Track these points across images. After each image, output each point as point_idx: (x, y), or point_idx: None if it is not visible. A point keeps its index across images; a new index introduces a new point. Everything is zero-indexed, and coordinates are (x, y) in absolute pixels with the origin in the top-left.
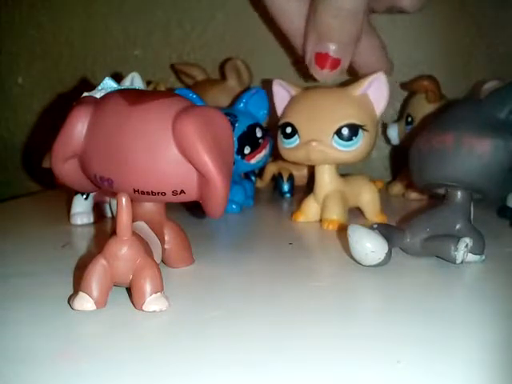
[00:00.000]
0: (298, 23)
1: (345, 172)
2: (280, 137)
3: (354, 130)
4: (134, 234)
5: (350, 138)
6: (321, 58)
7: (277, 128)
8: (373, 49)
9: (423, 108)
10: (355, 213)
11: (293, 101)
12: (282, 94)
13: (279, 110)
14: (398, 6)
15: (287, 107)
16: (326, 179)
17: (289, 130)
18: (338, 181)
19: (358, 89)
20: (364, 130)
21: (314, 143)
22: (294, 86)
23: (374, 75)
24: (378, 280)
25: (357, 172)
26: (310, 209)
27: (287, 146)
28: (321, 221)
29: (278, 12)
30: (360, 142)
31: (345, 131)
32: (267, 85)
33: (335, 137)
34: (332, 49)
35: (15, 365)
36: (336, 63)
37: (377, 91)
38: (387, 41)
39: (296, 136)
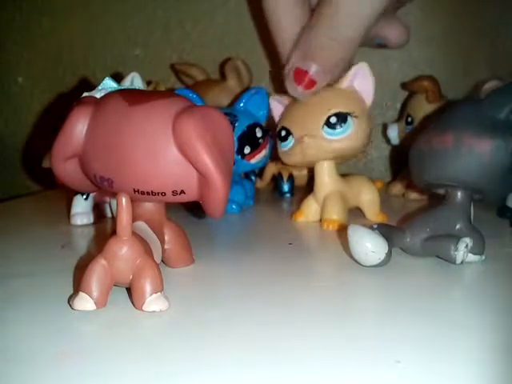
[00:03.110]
0: (291, 33)
1: (345, 172)
2: (278, 143)
3: (342, 117)
4: (134, 234)
5: (339, 126)
6: (299, 75)
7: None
8: None
9: (423, 108)
10: (355, 213)
11: (286, 108)
12: (278, 108)
13: (276, 121)
14: (382, 35)
15: (281, 115)
16: (326, 179)
17: (283, 133)
18: (338, 180)
19: (343, 82)
20: (353, 116)
21: (305, 138)
22: (286, 96)
23: (356, 66)
24: (378, 280)
25: (357, 172)
26: (310, 209)
27: (284, 148)
28: (321, 221)
29: (274, 18)
30: (350, 129)
31: (333, 120)
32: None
33: (325, 127)
34: (313, 69)
35: (15, 365)
36: (311, 84)
37: (362, 82)
38: None
39: (290, 137)
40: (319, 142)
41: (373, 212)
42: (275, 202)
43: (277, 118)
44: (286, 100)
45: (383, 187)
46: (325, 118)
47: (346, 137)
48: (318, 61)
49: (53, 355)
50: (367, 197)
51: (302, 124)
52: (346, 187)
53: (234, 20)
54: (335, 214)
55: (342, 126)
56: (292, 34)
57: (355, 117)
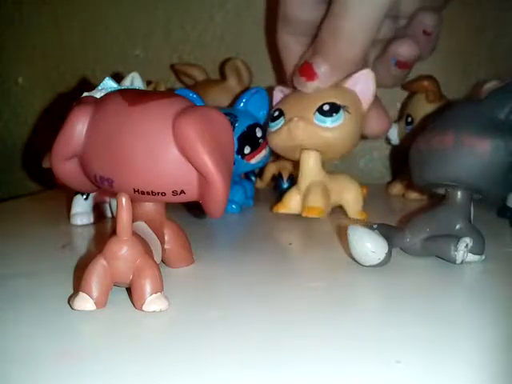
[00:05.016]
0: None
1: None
2: (269, 124)
3: (335, 107)
4: (134, 234)
5: (330, 115)
6: (305, 67)
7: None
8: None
9: (423, 108)
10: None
11: (285, 96)
12: (280, 98)
13: None
14: (394, 52)
15: (279, 101)
16: (310, 169)
17: (276, 113)
18: (322, 174)
19: (346, 82)
20: (346, 111)
21: (295, 118)
22: (290, 88)
23: (362, 72)
24: (378, 280)
25: (357, 172)
26: (292, 200)
27: (272, 128)
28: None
29: (285, 52)
30: (341, 121)
31: (326, 107)
32: (270, 90)
33: (317, 114)
34: (317, 62)
35: (15, 365)
36: (312, 76)
37: (363, 88)
38: None
39: (281, 118)
40: (308, 126)
41: (354, 210)
42: (275, 202)
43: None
44: (287, 91)
45: (366, 194)
46: (318, 104)
47: (335, 127)
48: (323, 55)
49: (53, 355)
50: (350, 195)
51: (295, 107)
52: (330, 182)
53: (234, 20)
54: (315, 202)
55: (332, 116)
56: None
57: (348, 111)
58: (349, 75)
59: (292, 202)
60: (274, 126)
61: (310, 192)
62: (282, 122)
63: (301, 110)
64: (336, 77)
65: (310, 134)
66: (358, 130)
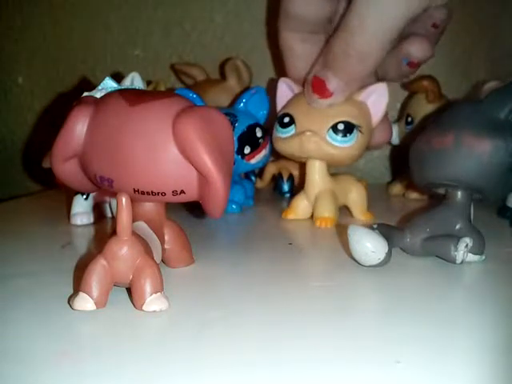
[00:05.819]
0: (303, 66)
1: (345, 172)
2: (276, 127)
3: (350, 127)
4: (134, 234)
5: (344, 135)
6: (317, 83)
7: (275, 120)
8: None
9: (423, 108)
10: (346, 211)
11: (295, 96)
12: (285, 92)
13: (279, 106)
14: (406, 52)
15: (289, 101)
16: (317, 177)
17: (286, 119)
18: (328, 179)
19: (359, 95)
20: (359, 131)
21: (308, 133)
22: (298, 85)
23: (376, 85)
24: (378, 280)
25: (357, 171)
26: (301, 206)
27: (282, 135)
28: (312, 218)
29: (288, 50)
30: (353, 141)
31: (340, 127)
32: (272, 83)
33: (330, 131)
34: (330, 79)
35: (15, 365)
36: (327, 94)
37: (376, 100)
38: None
39: (292, 126)
40: (321, 143)
41: (360, 210)
42: (275, 201)
43: (280, 101)
44: (296, 88)
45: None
46: (333, 122)
47: (346, 147)
48: (335, 71)
49: (53, 355)
50: (355, 196)
51: (308, 118)
52: (335, 186)
53: (234, 20)
54: (327, 212)
55: (346, 136)
56: (305, 66)
57: (360, 131)
58: (363, 88)
59: (300, 208)
60: (284, 133)
61: (320, 201)
62: (293, 132)
63: (314, 123)
64: (349, 91)
65: (320, 150)
66: (366, 145)
